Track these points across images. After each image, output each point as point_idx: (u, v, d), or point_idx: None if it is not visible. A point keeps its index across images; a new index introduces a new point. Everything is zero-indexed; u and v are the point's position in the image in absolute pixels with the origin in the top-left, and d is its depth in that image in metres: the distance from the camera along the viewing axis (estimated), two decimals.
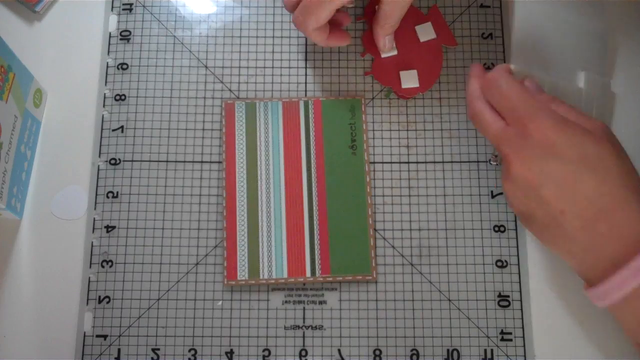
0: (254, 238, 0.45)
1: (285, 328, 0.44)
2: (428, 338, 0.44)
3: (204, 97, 0.48)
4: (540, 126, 0.35)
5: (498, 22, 0.50)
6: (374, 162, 0.47)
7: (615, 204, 0.35)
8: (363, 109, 0.48)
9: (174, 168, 0.47)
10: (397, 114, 0.48)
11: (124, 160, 0.47)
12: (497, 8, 0.50)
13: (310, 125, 0.47)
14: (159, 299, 0.45)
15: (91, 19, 0.50)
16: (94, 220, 0.46)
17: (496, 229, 0.46)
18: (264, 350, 0.44)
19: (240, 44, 0.49)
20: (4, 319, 0.44)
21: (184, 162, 0.47)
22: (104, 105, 0.48)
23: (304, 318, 0.44)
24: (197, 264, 0.45)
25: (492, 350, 0.44)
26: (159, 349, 0.44)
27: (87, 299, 0.45)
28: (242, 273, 0.44)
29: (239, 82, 0.49)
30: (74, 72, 0.49)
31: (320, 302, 0.45)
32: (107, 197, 0.46)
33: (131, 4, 0.50)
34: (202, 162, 0.47)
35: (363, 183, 0.46)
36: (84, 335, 0.44)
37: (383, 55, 0.48)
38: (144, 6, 0.50)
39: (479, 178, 0.47)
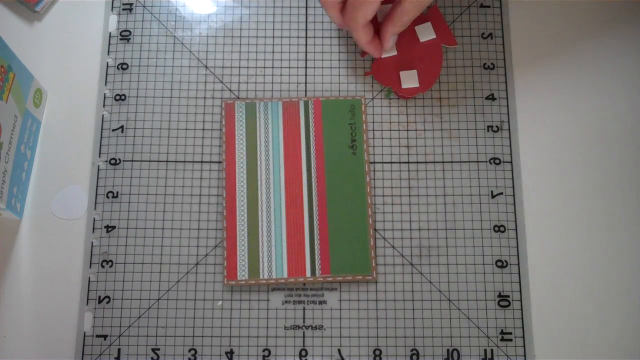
0: (254, 238, 0.45)
1: (285, 328, 0.44)
2: (428, 338, 0.44)
3: (204, 97, 0.48)
4: None
5: (498, 22, 0.50)
6: (374, 162, 0.47)
7: None
8: (363, 109, 0.48)
9: (174, 168, 0.47)
10: (397, 114, 0.48)
11: (124, 160, 0.47)
12: (497, 8, 0.50)
13: (310, 125, 0.47)
14: (159, 299, 0.45)
15: (91, 19, 0.50)
16: (94, 220, 0.46)
17: (496, 229, 0.46)
18: (264, 350, 0.44)
19: (240, 44, 0.49)
20: (4, 319, 0.44)
21: (184, 162, 0.47)
22: (104, 105, 0.48)
23: (304, 318, 0.45)
24: (197, 264, 0.45)
25: (492, 350, 0.44)
26: (159, 349, 0.44)
27: (87, 299, 0.45)
28: (242, 273, 0.44)
29: (239, 82, 0.49)
30: (74, 72, 0.49)
31: (320, 302, 0.45)
32: (107, 197, 0.46)
33: (131, 4, 0.50)
34: (202, 162, 0.47)
35: (363, 183, 0.46)
36: (84, 335, 0.44)
37: (383, 56, 0.48)
38: (144, 6, 0.50)
39: (479, 178, 0.47)
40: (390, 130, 0.48)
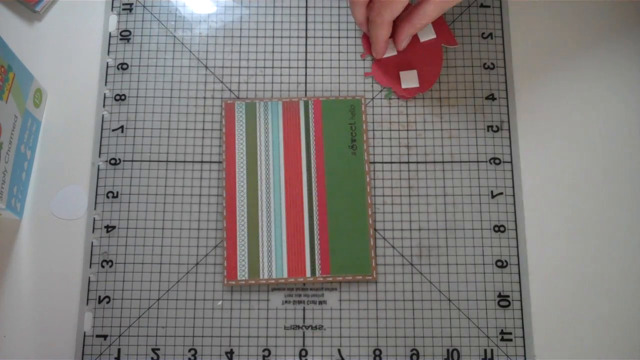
0: (254, 238, 0.45)
1: (285, 328, 0.44)
2: (428, 338, 0.44)
3: (204, 97, 0.48)
4: None
5: (498, 22, 0.50)
6: (374, 162, 0.47)
7: None
8: (363, 109, 0.48)
9: (174, 168, 0.47)
10: (397, 114, 0.48)
11: (124, 160, 0.47)
12: (497, 8, 0.50)
13: (310, 125, 0.47)
14: (159, 299, 0.45)
15: (91, 19, 0.50)
16: (94, 220, 0.46)
17: (496, 229, 0.46)
18: (264, 350, 0.44)
19: (240, 44, 0.49)
20: (4, 319, 0.44)
21: (184, 162, 0.47)
22: (104, 105, 0.48)
23: (304, 318, 0.44)
24: (197, 264, 0.45)
25: (492, 350, 0.44)
26: (159, 349, 0.44)
27: (87, 299, 0.45)
28: (242, 273, 0.44)
29: (239, 82, 0.49)
30: (74, 72, 0.49)
31: (320, 302, 0.45)
32: (107, 197, 0.46)
33: (131, 4, 0.50)
34: (202, 162, 0.47)
35: (363, 183, 0.46)
36: (84, 335, 0.44)
37: (383, 56, 0.48)
38: (144, 6, 0.50)
39: (479, 178, 0.47)
40: (390, 130, 0.48)
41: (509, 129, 0.48)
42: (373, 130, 0.48)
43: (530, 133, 0.48)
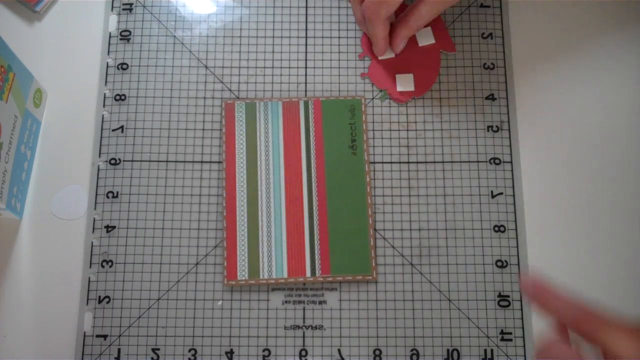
0: (254, 238, 0.45)
1: (285, 328, 0.44)
2: (428, 338, 0.44)
3: (204, 97, 0.48)
4: None
5: (498, 22, 0.50)
6: (374, 162, 0.47)
7: None
8: (363, 109, 0.48)
9: (174, 168, 0.47)
10: (397, 114, 0.48)
11: (124, 160, 0.47)
12: (497, 8, 0.50)
13: (310, 125, 0.47)
14: (159, 299, 0.45)
15: (91, 19, 0.50)
16: (94, 220, 0.46)
17: (496, 229, 0.46)
18: (264, 350, 0.44)
19: (240, 44, 0.49)
20: (4, 319, 0.44)
21: (184, 162, 0.47)
22: (104, 105, 0.48)
23: (304, 318, 0.44)
24: (197, 264, 0.45)
25: (492, 350, 0.44)
26: (159, 349, 0.44)
27: (87, 299, 0.45)
28: (242, 273, 0.44)
29: (239, 82, 0.49)
30: (74, 72, 0.49)
31: (320, 302, 0.45)
32: (107, 197, 0.46)
33: (131, 4, 0.50)
34: (202, 162, 0.47)
35: (363, 183, 0.46)
36: (84, 335, 0.44)
37: (380, 58, 0.48)
38: (144, 6, 0.50)
39: (479, 178, 0.47)
40: (390, 130, 0.48)
41: (509, 129, 0.48)
42: (373, 130, 0.48)
43: (530, 133, 0.48)
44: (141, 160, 0.47)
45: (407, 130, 0.48)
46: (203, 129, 0.48)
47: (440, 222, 0.46)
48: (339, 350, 0.44)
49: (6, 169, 0.42)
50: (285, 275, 0.44)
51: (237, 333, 0.44)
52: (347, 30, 0.50)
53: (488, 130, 0.48)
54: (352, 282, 0.45)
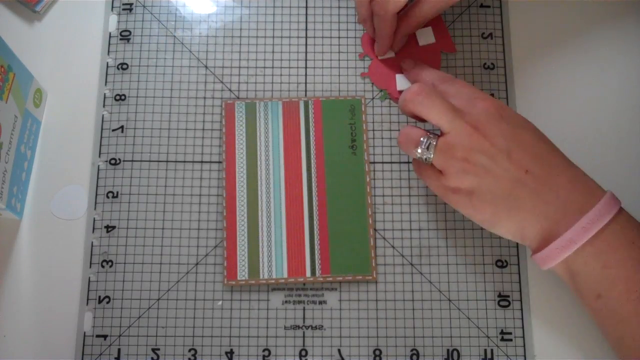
0: (254, 238, 0.45)
1: (285, 328, 0.44)
2: (428, 338, 0.44)
3: (204, 97, 0.48)
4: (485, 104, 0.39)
5: (498, 22, 0.50)
6: (374, 162, 0.47)
7: (563, 159, 0.39)
8: (363, 109, 0.48)
9: (174, 168, 0.47)
10: (397, 114, 0.48)
11: (124, 160, 0.47)
12: (497, 8, 0.50)
13: (310, 125, 0.47)
14: (159, 299, 0.45)
15: (91, 19, 0.50)
16: (94, 220, 0.46)
17: None
18: (264, 350, 0.44)
19: (240, 44, 0.49)
20: (4, 319, 0.44)
21: (184, 162, 0.47)
22: (104, 105, 0.48)
23: (304, 318, 0.45)
24: (197, 264, 0.45)
25: (492, 350, 0.44)
26: (159, 349, 0.44)
27: (87, 299, 0.45)
28: (242, 273, 0.44)
29: (239, 82, 0.49)
30: (74, 72, 0.49)
31: (320, 302, 0.45)
32: (107, 197, 0.46)
33: (131, 4, 0.50)
34: (202, 162, 0.47)
35: (363, 183, 0.46)
36: (84, 335, 0.44)
37: (380, 57, 0.48)
38: (144, 6, 0.50)
39: None
40: (390, 130, 0.48)
41: None
42: (373, 130, 0.48)
43: None
44: (141, 160, 0.47)
45: None
46: (203, 129, 0.48)
47: (440, 222, 0.46)
48: (339, 351, 0.44)
49: (6, 169, 0.42)
50: (285, 275, 0.44)
51: (237, 333, 0.44)
52: (347, 30, 0.50)
53: None
54: (352, 282, 0.45)
